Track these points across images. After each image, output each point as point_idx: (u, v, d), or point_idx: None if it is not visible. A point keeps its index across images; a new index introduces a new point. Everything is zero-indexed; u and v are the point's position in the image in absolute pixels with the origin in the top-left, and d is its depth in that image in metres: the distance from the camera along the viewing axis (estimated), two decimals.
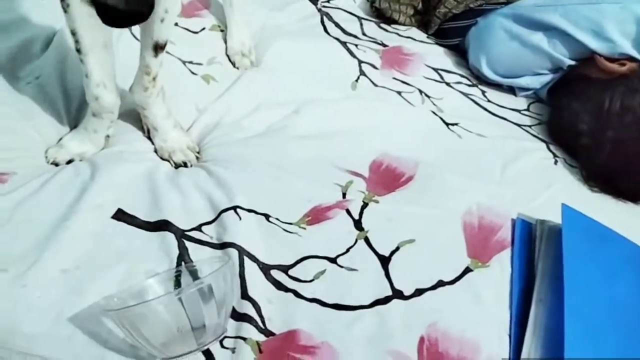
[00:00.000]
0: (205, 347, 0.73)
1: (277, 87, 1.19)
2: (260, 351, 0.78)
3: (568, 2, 1.28)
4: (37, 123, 1.02)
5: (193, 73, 1.18)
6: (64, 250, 0.82)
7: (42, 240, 0.83)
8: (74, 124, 1.03)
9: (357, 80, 1.26)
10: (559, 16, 1.24)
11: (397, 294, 0.87)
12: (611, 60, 1.21)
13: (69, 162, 0.99)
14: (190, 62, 1.20)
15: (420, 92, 1.26)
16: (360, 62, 1.30)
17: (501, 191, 1.06)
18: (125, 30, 1.16)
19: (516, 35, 1.29)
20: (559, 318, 0.84)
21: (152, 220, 0.90)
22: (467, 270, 0.92)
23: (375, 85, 1.26)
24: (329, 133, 1.11)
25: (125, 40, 1.13)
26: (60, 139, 1.01)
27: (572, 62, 1.26)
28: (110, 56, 0.94)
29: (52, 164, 0.98)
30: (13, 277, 0.78)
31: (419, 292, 0.87)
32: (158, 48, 0.93)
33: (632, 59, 1.20)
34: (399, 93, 1.25)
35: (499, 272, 0.93)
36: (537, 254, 0.95)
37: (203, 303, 0.72)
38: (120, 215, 0.89)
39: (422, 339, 0.82)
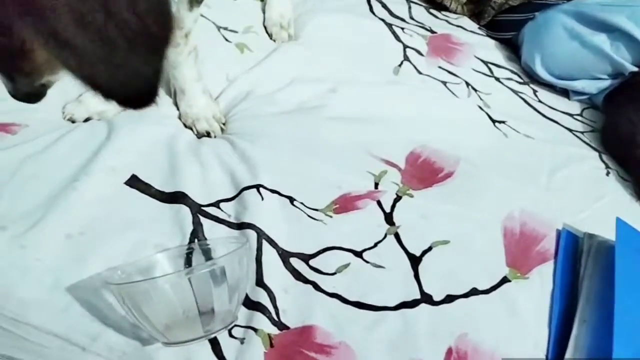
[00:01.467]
0: (212, 335, 0.66)
1: (314, 64, 1.11)
2: (272, 345, 0.71)
3: (637, 4, 1.18)
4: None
5: (227, 40, 1.11)
6: (70, 213, 0.76)
7: (48, 200, 0.76)
8: None
9: (400, 65, 1.18)
10: (625, 18, 1.14)
11: (426, 298, 0.79)
12: None
13: (87, 120, 0.92)
14: (225, 29, 1.12)
15: (467, 84, 1.18)
16: (405, 46, 1.22)
17: (547, 198, 0.98)
18: None
19: (577, 34, 1.19)
20: (605, 342, 0.76)
21: (167, 190, 0.83)
22: (505, 280, 0.84)
23: (420, 72, 1.18)
24: (365, 117, 1.03)
25: None
26: (80, 95, 0.95)
27: (635, 68, 1.16)
28: None
29: (68, 120, 0.92)
30: (12, 237, 0.72)
31: (450, 298, 0.80)
32: (194, 1, 0.86)
33: None
34: (444, 83, 1.16)
35: (539, 285, 0.85)
36: (583, 270, 0.87)
37: (214, 286, 0.65)
38: (134, 182, 0.83)
39: (449, 351, 0.74)
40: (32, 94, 0.59)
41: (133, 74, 0.43)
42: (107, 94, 0.45)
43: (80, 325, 0.68)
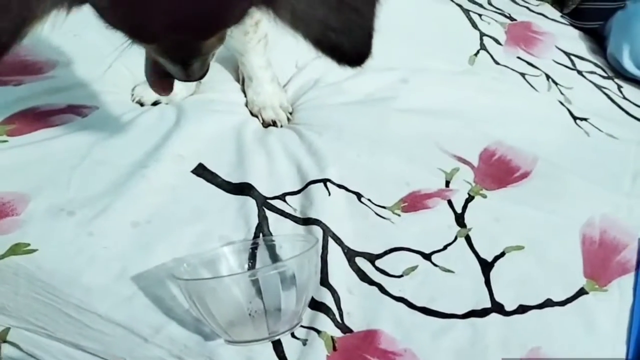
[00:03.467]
0: (277, 337, 0.65)
1: (385, 51, 1.04)
2: (335, 348, 0.68)
3: None
4: (128, 58, 0.94)
5: None
6: (138, 200, 0.75)
7: (116, 186, 0.76)
8: None
9: (476, 55, 1.12)
10: None
11: (497, 308, 0.75)
12: None
13: (155, 103, 0.92)
14: None
15: (548, 77, 1.11)
16: (482, 34, 1.16)
17: (630, 204, 0.91)
18: None
19: None
20: None
21: (233, 181, 0.81)
22: (582, 291, 0.79)
23: (497, 62, 1.12)
24: (437, 110, 0.99)
25: None
26: None
27: None
28: None
29: (137, 102, 0.91)
30: (80, 223, 0.72)
31: (522, 309, 0.76)
32: None
33: None
34: (523, 75, 1.10)
35: (618, 299, 0.80)
36: None
37: (282, 287, 0.63)
38: (201, 171, 0.81)
39: None
40: (204, 73, 0.59)
41: (358, 32, 0.48)
42: (334, 55, 0.49)
43: (144, 315, 0.68)
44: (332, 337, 0.69)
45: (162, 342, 0.67)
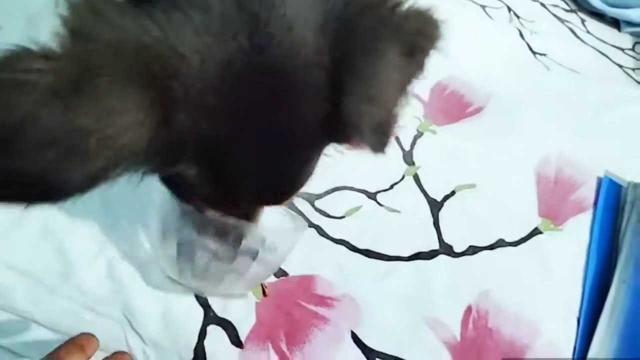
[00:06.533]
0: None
1: None
2: (265, 294, 0.62)
3: None
4: None
5: None
6: None
7: None
8: None
9: None
10: None
11: (446, 249, 0.70)
12: None
13: None
14: None
15: (509, 9, 1.04)
16: None
17: (588, 142, 0.86)
18: None
19: None
20: None
21: None
22: (536, 231, 0.74)
23: None
24: None
25: None
26: None
27: None
28: None
29: None
30: None
31: (472, 250, 0.71)
32: None
33: None
34: (483, 7, 1.03)
35: (574, 238, 0.75)
36: (625, 223, 0.77)
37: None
38: None
39: (469, 309, 0.66)
40: None
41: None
42: None
43: (50, 262, 0.60)
44: (261, 283, 0.63)
45: (71, 293, 0.60)
